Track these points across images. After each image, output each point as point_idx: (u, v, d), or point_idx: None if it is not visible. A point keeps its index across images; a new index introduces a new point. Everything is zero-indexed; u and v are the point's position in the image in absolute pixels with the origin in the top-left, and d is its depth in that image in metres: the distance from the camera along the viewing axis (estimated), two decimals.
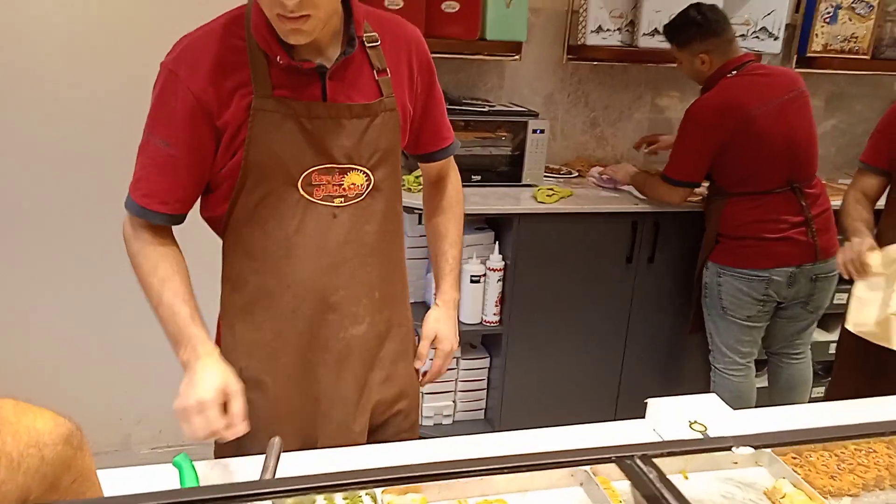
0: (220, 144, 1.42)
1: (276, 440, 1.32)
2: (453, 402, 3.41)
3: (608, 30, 3.52)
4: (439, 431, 3.36)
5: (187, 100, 1.39)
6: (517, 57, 3.36)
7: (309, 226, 1.48)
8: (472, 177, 3.28)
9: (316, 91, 1.44)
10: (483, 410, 3.47)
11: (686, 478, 1.45)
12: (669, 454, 0.99)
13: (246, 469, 1.40)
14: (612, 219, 3.17)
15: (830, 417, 1.74)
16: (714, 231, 3.03)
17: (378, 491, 1.31)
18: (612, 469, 1.42)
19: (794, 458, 1.49)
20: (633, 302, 3.34)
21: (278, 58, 1.40)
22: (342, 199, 1.50)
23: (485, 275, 3.14)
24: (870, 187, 2.62)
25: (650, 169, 3.45)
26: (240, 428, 1.34)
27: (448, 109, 3.13)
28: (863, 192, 2.61)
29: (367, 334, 1.60)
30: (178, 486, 1.30)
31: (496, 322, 3.22)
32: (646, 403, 1.67)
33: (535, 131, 3.28)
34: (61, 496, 0.86)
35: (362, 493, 1.31)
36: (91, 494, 0.91)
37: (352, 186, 1.50)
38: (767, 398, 3.28)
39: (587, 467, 1.40)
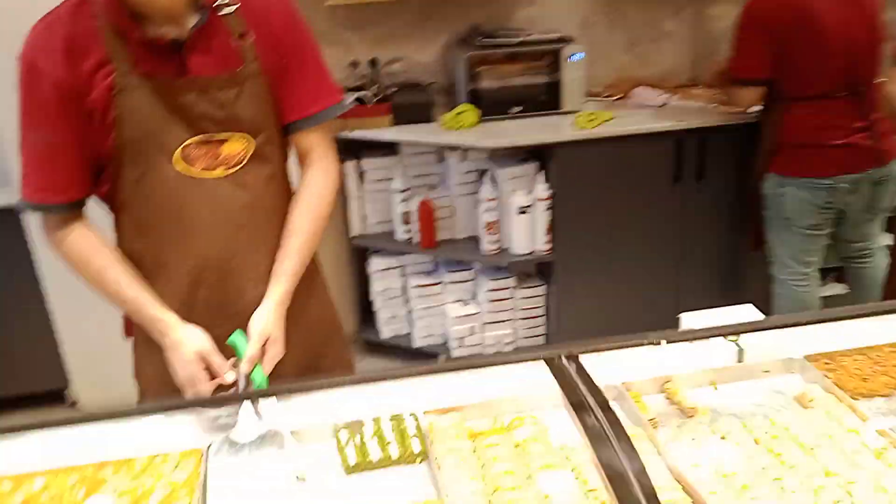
0: (94, 125, 1.42)
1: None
2: (513, 329, 3.51)
3: None
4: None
5: (51, 88, 1.38)
6: None
7: (195, 197, 1.49)
8: (512, 108, 3.30)
9: (176, 66, 1.42)
10: (544, 336, 3.56)
11: (715, 388, 1.51)
12: (593, 350, 1.08)
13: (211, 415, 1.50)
14: (655, 139, 3.15)
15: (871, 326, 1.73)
16: (773, 141, 2.96)
17: (420, 411, 1.43)
18: (643, 384, 1.50)
19: (827, 363, 1.53)
20: (683, 221, 3.33)
21: (133, 33, 1.37)
22: (224, 167, 1.50)
23: (532, 205, 3.19)
24: None
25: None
26: (227, 376, 1.47)
27: (482, 43, 3.24)
28: None
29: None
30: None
31: (547, 250, 3.28)
32: (678, 319, 1.71)
33: (570, 57, 3.24)
34: None
35: (406, 414, 1.43)
36: None
37: (231, 155, 1.50)
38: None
39: (619, 383, 1.48)
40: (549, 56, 3.27)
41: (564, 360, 1.07)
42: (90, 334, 3.03)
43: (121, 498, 1.27)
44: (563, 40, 3.30)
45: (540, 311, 3.52)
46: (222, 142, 1.49)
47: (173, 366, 1.50)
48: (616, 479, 0.87)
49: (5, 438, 1.39)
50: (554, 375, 1.05)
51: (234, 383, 1.48)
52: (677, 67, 3.80)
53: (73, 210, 1.50)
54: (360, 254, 3.56)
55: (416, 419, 1.42)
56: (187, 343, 1.47)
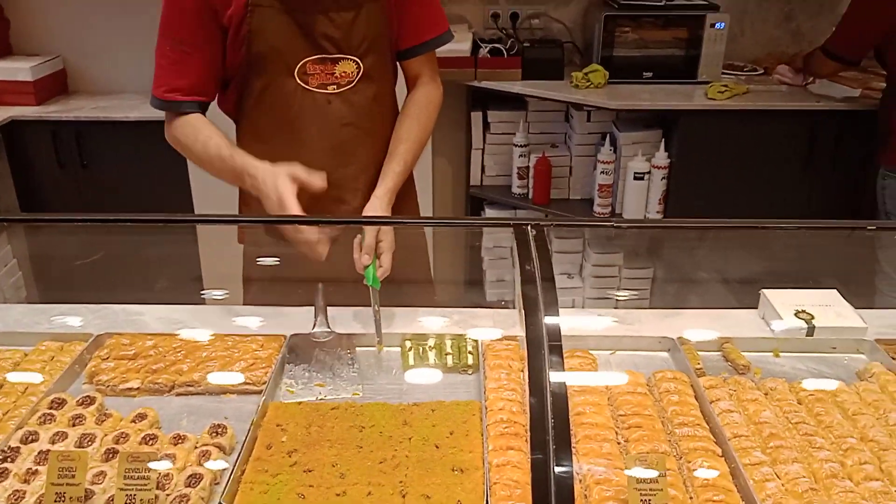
0: (227, 39, 1.57)
1: (320, 287, 1.58)
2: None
3: None
4: None
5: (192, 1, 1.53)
6: None
7: (308, 110, 1.65)
8: (644, 73, 3.26)
9: None
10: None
11: (777, 356, 1.51)
12: (557, 225, 1.17)
13: (299, 315, 1.63)
14: (788, 118, 3.02)
15: None
16: (882, 131, 2.79)
17: (481, 339, 1.54)
18: (702, 342, 1.53)
19: None
20: (811, 208, 3.19)
21: None
22: (335, 87, 1.65)
23: (649, 172, 3.16)
24: None
25: None
26: (318, 181, 1.49)
27: (622, 4, 3.22)
28: None
29: (364, 205, 1.69)
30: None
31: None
32: (759, 293, 1.71)
33: (713, 25, 3.15)
34: None
35: (469, 335, 1.55)
36: None
37: (343, 74, 1.64)
38: None
39: (675, 336, 1.52)
40: (692, 22, 3.19)
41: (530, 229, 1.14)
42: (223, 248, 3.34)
43: (213, 361, 1.47)
44: (709, 6, 3.21)
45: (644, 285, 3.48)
46: (336, 61, 1.63)
47: (264, 191, 1.50)
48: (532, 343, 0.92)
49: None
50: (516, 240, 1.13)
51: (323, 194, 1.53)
52: None
53: (196, 108, 1.65)
54: (475, 203, 3.67)
55: (476, 342, 1.53)
56: (276, 169, 1.50)
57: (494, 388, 1.34)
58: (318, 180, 1.49)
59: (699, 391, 1.33)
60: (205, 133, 1.62)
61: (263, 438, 1.27)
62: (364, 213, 1.67)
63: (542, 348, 0.92)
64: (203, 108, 1.67)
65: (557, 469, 0.76)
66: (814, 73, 2.99)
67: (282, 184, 1.46)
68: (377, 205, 1.66)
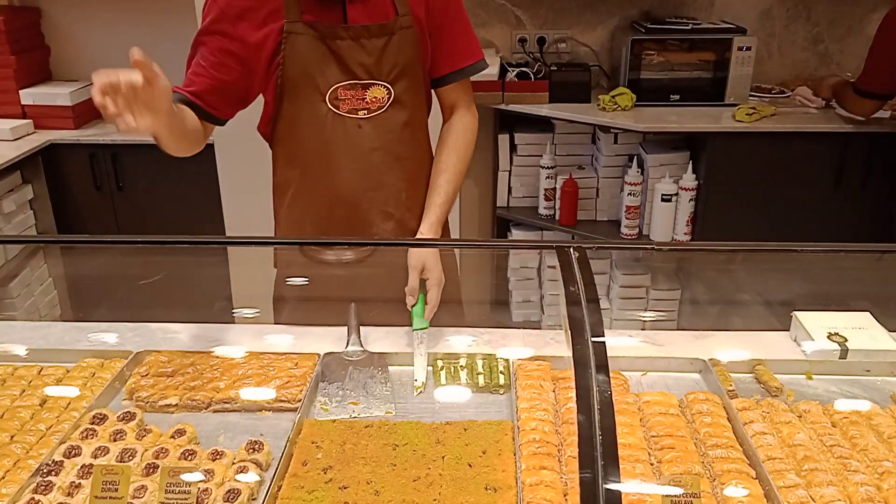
0: (251, 65, 1.62)
1: (353, 306, 1.61)
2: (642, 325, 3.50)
3: None
4: None
5: (219, 20, 1.60)
6: None
7: (339, 135, 1.68)
8: (671, 96, 3.28)
9: (338, 14, 1.61)
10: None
11: (810, 378, 1.51)
12: (599, 248, 1.28)
13: (331, 334, 1.67)
14: (817, 140, 3.01)
15: None
16: None
17: (511, 359, 1.55)
18: (733, 363, 1.53)
19: None
20: (840, 230, 3.16)
21: None
22: (366, 112, 1.68)
23: (676, 194, 3.16)
24: None
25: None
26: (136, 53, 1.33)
27: (649, 28, 3.25)
28: None
29: (395, 230, 1.78)
30: None
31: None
32: (791, 316, 1.71)
33: (740, 48, 3.17)
34: None
35: (498, 355, 1.56)
36: None
37: (374, 100, 1.67)
38: None
39: (706, 358, 1.52)
40: (719, 45, 3.21)
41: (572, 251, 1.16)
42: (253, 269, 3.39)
43: (249, 379, 1.50)
44: (737, 30, 3.22)
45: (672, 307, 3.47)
46: (367, 87, 1.67)
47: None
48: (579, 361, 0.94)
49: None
50: (560, 263, 1.16)
51: None
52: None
53: (181, 100, 1.60)
54: (502, 224, 3.69)
55: (507, 361, 1.55)
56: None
57: (526, 407, 1.35)
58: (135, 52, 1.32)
59: (732, 413, 1.33)
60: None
61: (299, 455, 1.29)
62: (409, 253, 1.66)
63: (590, 367, 0.94)
64: (196, 108, 1.62)
65: (606, 486, 0.77)
66: (852, 112, 2.98)
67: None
68: (422, 249, 1.67)
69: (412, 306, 1.65)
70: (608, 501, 0.76)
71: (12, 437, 1.33)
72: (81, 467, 1.24)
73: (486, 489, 1.20)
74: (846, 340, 1.57)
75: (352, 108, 1.68)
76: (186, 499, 1.13)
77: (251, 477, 1.23)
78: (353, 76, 1.65)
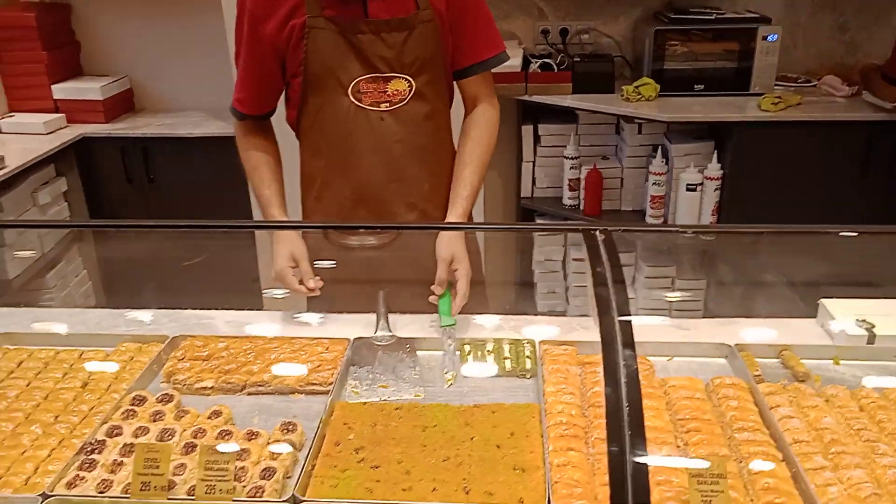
0: (284, 58, 1.69)
1: (382, 293, 1.65)
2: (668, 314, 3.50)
3: None
4: None
5: (249, 26, 1.67)
6: None
7: (361, 127, 1.72)
8: (695, 86, 3.27)
9: (359, 9, 1.64)
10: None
11: (837, 363, 1.51)
12: (625, 231, 1.25)
13: (359, 321, 1.70)
14: (843, 129, 3.00)
15: None
16: None
17: (537, 341, 1.57)
18: (759, 347, 1.54)
19: None
20: (867, 219, 3.14)
21: None
22: (388, 104, 1.71)
23: (702, 184, 3.16)
24: None
25: None
26: (311, 283, 1.68)
27: (672, 19, 3.24)
28: None
29: (418, 221, 1.82)
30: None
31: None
32: (818, 303, 1.71)
33: (765, 38, 3.15)
34: None
35: (525, 340, 1.58)
36: None
37: (395, 92, 1.70)
38: None
39: (732, 343, 1.53)
40: (744, 35, 3.19)
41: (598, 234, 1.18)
42: None
43: (281, 362, 1.54)
44: (761, 19, 3.21)
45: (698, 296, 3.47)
46: (388, 80, 1.70)
47: (274, 257, 1.72)
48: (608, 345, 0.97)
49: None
50: (587, 245, 1.18)
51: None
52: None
53: (256, 120, 1.82)
54: (526, 215, 3.70)
55: (533, 345, 1.57)
56: (286, 242, 1.72)
57: (553, 391, 1.37)
58: (311, 282, 1.69)
59: (758, 397, 1.34)
60: (255, 159, 1.81)
61: (332, 436, 1.32)
62: (438, 244, 1.69)
63: (616, 342, 0.96)
64: (263, 118, 1.81)
65: (633, 458, 0.79)
66: (881, 98, 2.95)
67: (286, 266, 1.69)
68: (449, 240, 1.69)
69: (439, 297, 1.67)
70: (635, 474, 0.78)
71: (56, 417, 1.38)
72: (123, 446, 1.29)
73: (515, 469, 1.23)
74: (874, 326, 1.57)
75: (374, 101, 1.71)
76: (225, 476, 1.17)
77: (284, 447, 1.26)
78: (375, 69, 1.68)
